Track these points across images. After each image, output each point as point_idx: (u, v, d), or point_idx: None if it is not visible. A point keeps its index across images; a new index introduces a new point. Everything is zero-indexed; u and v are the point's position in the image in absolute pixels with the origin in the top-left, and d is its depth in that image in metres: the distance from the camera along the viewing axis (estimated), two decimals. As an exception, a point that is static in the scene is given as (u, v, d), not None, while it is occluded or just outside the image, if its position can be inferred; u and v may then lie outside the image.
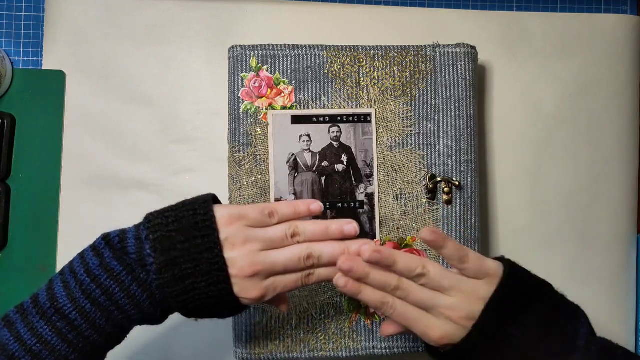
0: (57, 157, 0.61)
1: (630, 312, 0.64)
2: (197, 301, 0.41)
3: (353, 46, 0.57)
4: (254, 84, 0.55)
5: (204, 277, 0.40)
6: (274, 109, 0.56)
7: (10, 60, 0.62)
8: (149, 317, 0.42)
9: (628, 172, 0.65)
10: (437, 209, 0.56)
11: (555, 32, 0.65)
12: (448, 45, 0.57)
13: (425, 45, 0.57)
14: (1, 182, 0.60)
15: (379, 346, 0.55)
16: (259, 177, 0.55)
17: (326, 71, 0.56)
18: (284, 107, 0.56)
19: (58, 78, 0.62)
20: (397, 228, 0.56)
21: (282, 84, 0.56)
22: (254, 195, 0.55)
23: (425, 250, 0.56)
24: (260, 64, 0.56)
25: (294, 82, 0.56)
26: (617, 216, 0.64)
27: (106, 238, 0.42)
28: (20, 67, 0.62)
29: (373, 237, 0.56)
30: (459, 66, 0.56)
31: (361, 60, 0.56)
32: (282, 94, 0.56)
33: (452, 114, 0.56)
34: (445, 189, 0.56)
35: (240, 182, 0.55)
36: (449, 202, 0.56)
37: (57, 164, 0.61)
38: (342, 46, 0.57)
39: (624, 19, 0.65)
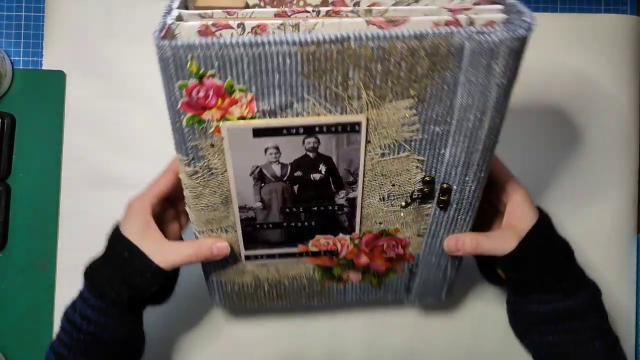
0: (57, 156, 0.61)
1: (631, 312, 0.64)
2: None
3: (340, 37, 0.38)
4: (198, 94, 0.40)
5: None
6: (228, 120, 0.41)
7: (10, 60, 0.62)
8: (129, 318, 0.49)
9: (628, 172, 0.65)
10: (427, 214, 0.50)
11: (555, 32, 0.65)
12: (487, 31, 0.37)
13: (454, 30, 0.37)
14: (1, 181, 0.61)
15: (350, 297, 0.57)
16: (217, 188, 0.46)
17: (300, 71, 0.39)
18: (242, 118, 0.41)
19: (58, 78, 0.62)
20: (380, 223, 0.50)
21: (237, 92, 0.40)
22: (213, 204, 0.47)
23: (408, 237, 0.51)
24: (203, 69, 0.38)
25: (254, 88, 0.40)
26: (617, 216, 0.64)
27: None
28: (20, 67, 0.62)
29: (351, 231, 0.50)
30: (496, 64, 0.39)
31: (351, 55, 0.39)
32: (239, 103, 0.41)
33: (470, 124, 0.42)
34: (442, 198, 0.48)
35: (196, 191, 0.47)
36: (444, 208, 0.49)
37: (57, 164, 0.61)
38: (323, 38, 0.38)
39: (624, 19, 0.65)
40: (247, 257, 0.52)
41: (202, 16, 0.41)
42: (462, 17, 0.41)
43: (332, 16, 0.42)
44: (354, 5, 0.45)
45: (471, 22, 0.41)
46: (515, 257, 0.47)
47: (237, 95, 0.40)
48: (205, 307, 0.62)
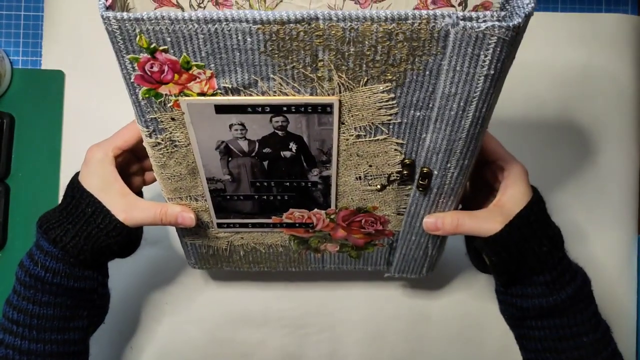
0: (56, 156, 0.61)
1: (631, 312, 0.64)
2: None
3: (306, 16, 0.33)
4: (151, 68, 0.37)
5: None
6: (187, 95, 0.38)
7: (10, 60, 0.62)
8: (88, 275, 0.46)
9: (628, 172, 0.64)
10: (407, 194, 0.46)
11: (556, 32, 0.65)
12: (475, 17, 0.33)
13: (437, 14, 0.33)
14: (0, 181, 0.60)
15: (328, 265, 0.56)
16: (182, 159, 0.43)
17: (262, 50, 0.36)
18: (202, 94, 0.38)
19: (57, 78, 0.62)
20: (357, 200, 0.47)
21: (194, 68, 0.37)
22: (179, 174, 0.45)
23: (387, 215, 0.49)
24: (154, 44, 0.35)
25: (212, 65, 0.36)
26: (617, 216, 0.64)
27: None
28: (20, 67, 0.62)
29: (327, 207, 0.48)
30: (484, 54, 0.34)
31: (320, 36, 0.35)
32: (198, 80, 0.37)
33: (453, 112, 0.39)
34: (422, 182, 0.44)
35: (161, 162, 0.44)
36: (424, 192, 0.45)
37: (56, 164, 0.61)
38: (287, 17, 0.34)
39: (625, 19, 0.65)
40: (220, 225, 0.50)
41: None
42: None
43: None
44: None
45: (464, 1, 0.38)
46: (497, 240, 0.44)
47: (194, 71, 0.37)
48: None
